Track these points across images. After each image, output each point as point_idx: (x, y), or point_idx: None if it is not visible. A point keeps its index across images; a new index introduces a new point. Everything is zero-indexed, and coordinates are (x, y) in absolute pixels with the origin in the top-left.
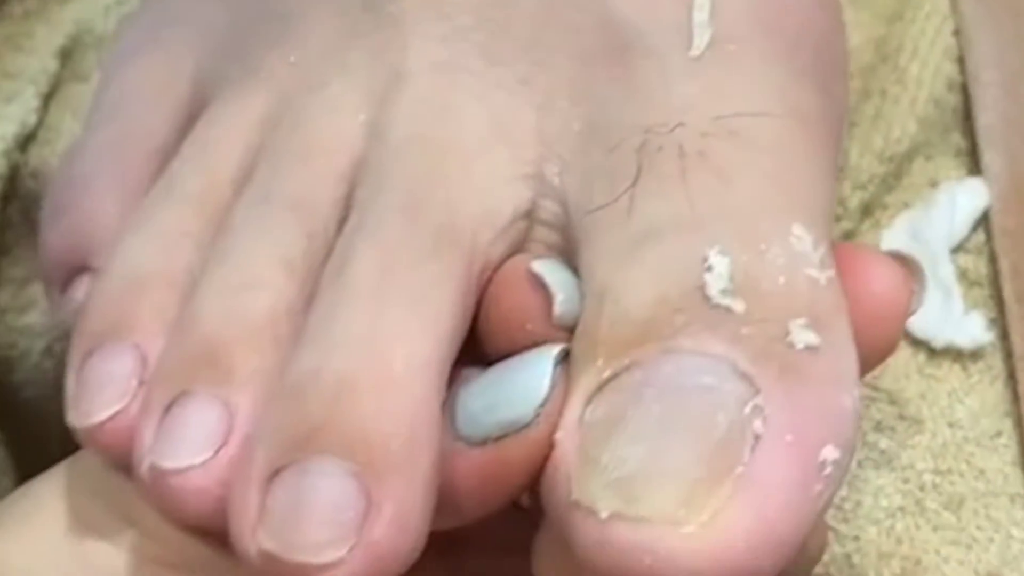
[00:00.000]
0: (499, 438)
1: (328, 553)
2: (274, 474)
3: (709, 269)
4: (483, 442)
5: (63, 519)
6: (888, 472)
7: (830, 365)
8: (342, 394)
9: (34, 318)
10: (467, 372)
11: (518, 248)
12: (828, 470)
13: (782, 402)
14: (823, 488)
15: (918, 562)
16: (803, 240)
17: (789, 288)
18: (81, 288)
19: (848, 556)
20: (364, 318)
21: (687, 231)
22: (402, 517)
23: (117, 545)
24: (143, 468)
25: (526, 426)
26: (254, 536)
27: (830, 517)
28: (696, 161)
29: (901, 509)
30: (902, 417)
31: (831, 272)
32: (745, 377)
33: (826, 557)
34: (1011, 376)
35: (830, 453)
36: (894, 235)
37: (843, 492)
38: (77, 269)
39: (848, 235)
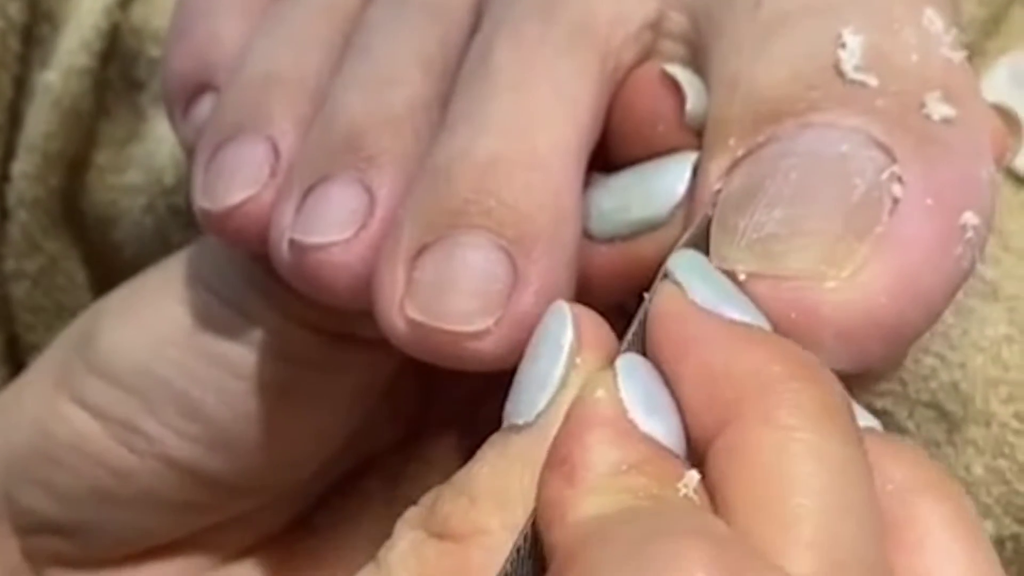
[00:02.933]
0: (628, 236)
1: (477, 322)
2: (422, 248)
3: (843, 46)
4: (612, 239)
5: (178, 312)
6: (994, 302)
7: (966, 137)
8: (490, 170)
9: (134, 177)
10: (596, 175)
11: (646, 57)
12: (969, 234)
13: (920, 169)
14: (963, 251)
15: None
16: (935, 23)
17: (923, 64)
18: (205, 106)
19: (956, 383)
20: (508, 105)
21: (819, 14)
22: (548, 290)
23: (233, 338)
24: (283, 244)
25: (660, 225)
26: (402, 309)
27: (937, 343)
28: None
29: (1007, 338)
30: (1007, 248)
31: (962, 54)
32: (882, 146)
33: (934, 384)
34: None
35: (970, 218)
36: (994, 79)
37: (949, 319)
38: (200, 88)
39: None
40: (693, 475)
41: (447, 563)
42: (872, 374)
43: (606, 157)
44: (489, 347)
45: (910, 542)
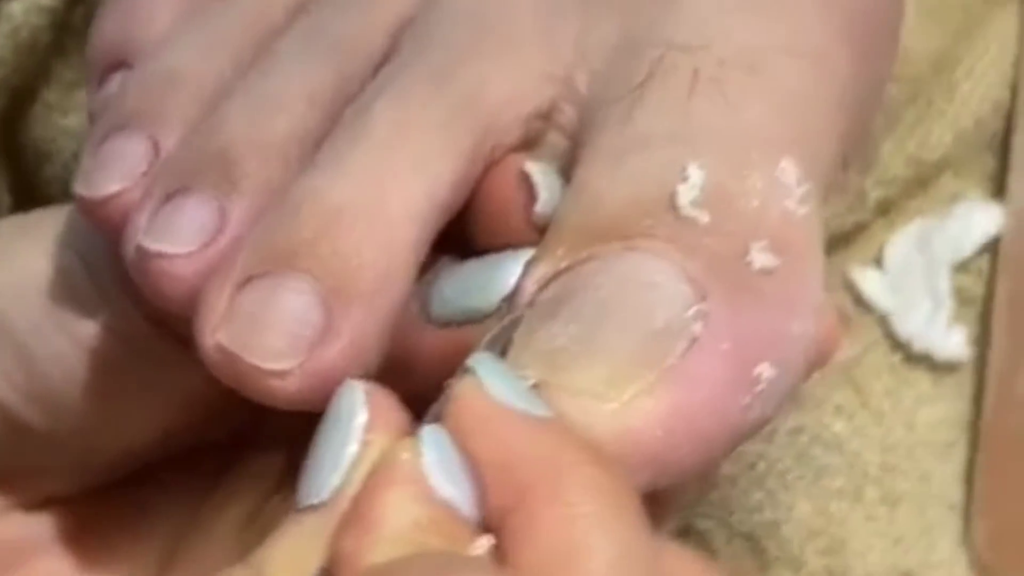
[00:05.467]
0: (461, 323)
1: (279, 361)
2: (248, 279)
3: (685, 179)
4: (447, 324)
5: (42, 265)
6: (837, 455)
7: (784, 289)
8: (335, 218)
9: (75, 121)
10: (450, 260)
11: (531, 144)
12: (761, 386)
13: (725, 314)
14: (752, 401)
15: (844, 544)
16: (788, 174)
17: (760, 212)
18: (115, 82)
19: (778, 524)
20: (371, 159)
21: (676, 143)
22: (356, 346)
23: (84, 308)
24: (131, 246)
25: (488, 315)
26: (214, 332)
27: (772, 481)
28: (706, 84)
29: (840, 492)
30: (864, 406)
31: (808, 208)
32: (695, 283)
33: (757, 518)
34: (979, 395)
35: (766, 370)
36: (903, 238)
37: (787, 463)
38: (116, 64)
39: (860, 227)
40: (485, 540)
41: None
42: (678, 493)
43: (467, 241)
44: (290, 388)
45: None
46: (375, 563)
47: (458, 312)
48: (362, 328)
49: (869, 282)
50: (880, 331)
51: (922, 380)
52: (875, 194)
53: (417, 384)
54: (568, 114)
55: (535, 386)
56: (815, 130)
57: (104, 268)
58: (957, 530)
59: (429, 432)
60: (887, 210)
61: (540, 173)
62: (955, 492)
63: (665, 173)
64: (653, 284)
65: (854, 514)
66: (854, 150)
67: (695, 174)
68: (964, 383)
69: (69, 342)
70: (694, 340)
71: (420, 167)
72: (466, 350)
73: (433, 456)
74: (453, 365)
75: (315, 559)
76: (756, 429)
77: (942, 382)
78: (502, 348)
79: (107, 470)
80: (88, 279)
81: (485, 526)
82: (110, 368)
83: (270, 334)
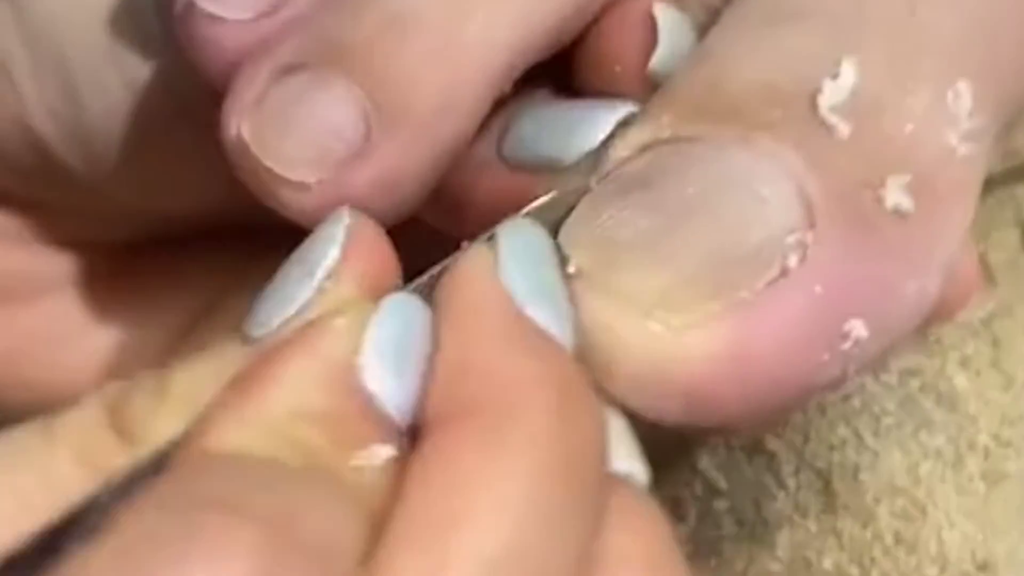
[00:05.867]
0: (532, 169)
1: (298, 171)
2: (293, 68)
3: (835, 76)
4: (517, 167)
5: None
6: (948, 411)
7: (912, 240)
8: (399, 24)
9: None
10: (542, 96)
11: None
12: (847, 345)
13: (832, 251)
14: (832, 360)
15: (923, 512)
16: (961, 100)
17: (912, 138)
18: None
19: (857, 468)
20: None
21: (837, 29)
22: (390, 177)
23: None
24: (182, 2)
25: (565, 168)
26: (239, 119)
27: (863, 421)
28: None
29: (938, 453)
30: (996, 365)
31: (974, 148)
32: (808, 206)
33: (836, 457)
34: None
35: (858, 329)
36: None
37: (888, 406)
38: None
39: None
40: (381, 451)
41: (110, 460)
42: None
43: (570, 82)
44: (306, 204)
45: None
46: (219, 446)
47: (532, 156)
48: (401, 158)
49: None
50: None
51: None
52: None
53: (469, 228)
54: None
55: (575, 273)
56: (1010, 58)
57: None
58: None
59: (394, 304)
60: None
61: (670, 20)
62: None
63: (814, 62)
64: (757, 194)
65: (946, 482)
66: None
67: (848, 72)
68: None
69: (120, 82)
70: (783, 273)
71: None
72: (530, 202)
73: (381, 334)
74: (514, 209)
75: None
76: (832, 389)
77: None
78: (563, 214)
79: (143, 226)
80: (156, 21)
81: (415, 433)
82: (155, 121)
83: (295, 138)
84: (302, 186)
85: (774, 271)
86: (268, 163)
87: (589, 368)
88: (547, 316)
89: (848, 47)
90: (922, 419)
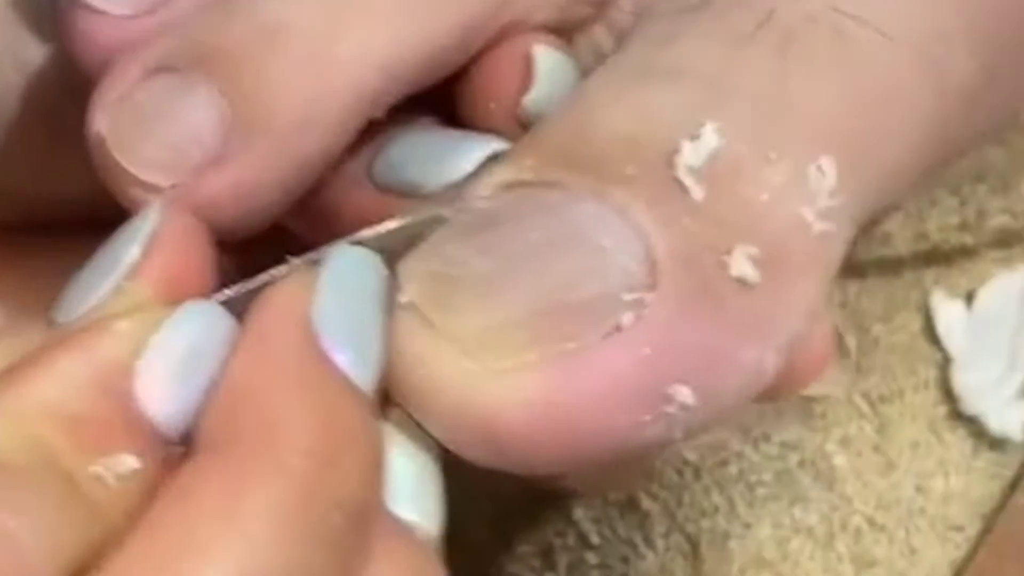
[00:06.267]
0: (399, 194)
1: (153, 174)
2: (160, 69)
3: (695, 137)
4: (386, 191)
5: None
6: (824, 490)
7: (752, 312)
8: (269, 33)
9: None
10: (421, 124)
11: (567, 32)
12: (670, 408)
13: (668, 314)
14: (653, 421)
15: None
16: (825, 177)
17: (765, 210)
18: None
19: (727, 537)
20: None
21: (708, 90)
22: (245, 188)
23: (40, 42)
24: None
25: (428, 195)
26: (102, 115)
27: (737, 489)
28: (776, 33)
29: (809, 532)
30: (878, 449)
31: (831, 226)
32: (652, 265)
33: (707, 522)
34: (1017, 483)
35: (683, 394)
36: (1008, 284)
37: (764, 477)
38: None
39: (966, 252)
40: (127, 462)
41: None
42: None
43: (451, 114)
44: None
45: None
46: None
47: (398, 180)
48: (258, 169)
49: (948, 317)
50: (935, 374)
51: (959, 444)
52: (999, 221)
53: (330, 235)
54: (625, 10)
55: (404, 304)
56: (885, 137)
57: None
58: None
59: (186, 312)
60: (1008, 244)
61: (550, 62)
62: None
63: (677, 121)
64: (599, 247)
65: (814, 560)
66: (926, 182)
67: (709, 135)
68: (1007, 466)
69: (11, 64)
70: (616, 329)
71: (405, 9)
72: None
73: (165, 342)
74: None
75: None
76: (654, 450)
77: (981, 455)
78: (411, 242)
79: (29, 211)
80: (50, 5)
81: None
82: (44, 105)
83: (153, 139)
84: (155, 188)
85: (606, 327)
86: (123, 162)
87: (405, 403)
88: (350, 358)
89: (713, 110)
90: (797, 495)
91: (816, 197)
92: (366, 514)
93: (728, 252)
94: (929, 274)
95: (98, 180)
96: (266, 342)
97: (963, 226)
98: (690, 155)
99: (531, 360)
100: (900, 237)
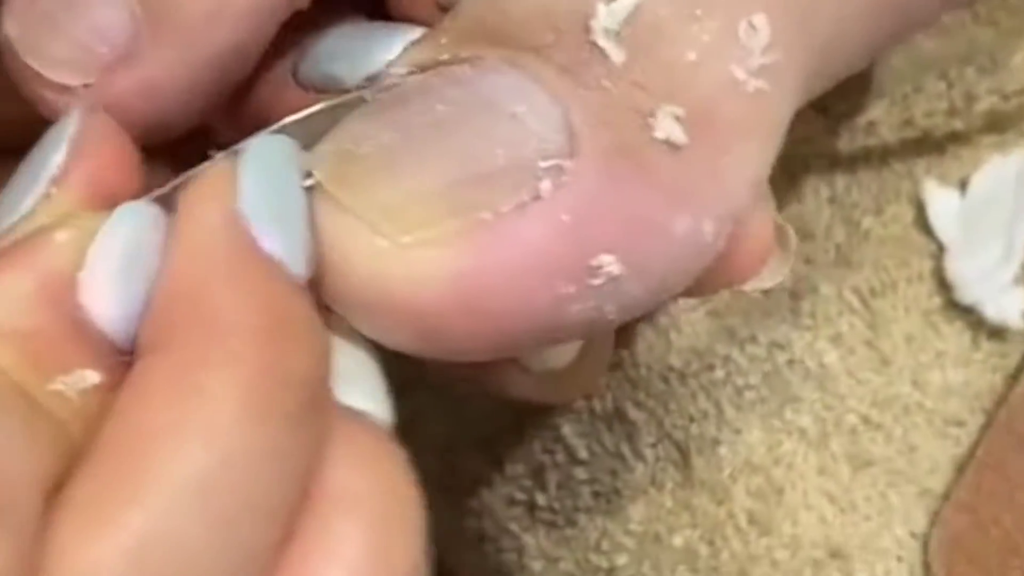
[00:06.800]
0: (322, 90)
1: (63, 74)
2: None
3: (611, 0)
4: (309, 88)
5: None
6: (815, 389)
7: (682, 175)
8: None
9: None
10: (348, 19)
11: None
12: (597, 280)
13: (590, 179)
14: (579, 295)
15: (780, 492)
16: (757, 34)
17: (692, 69)
18: None
19: (716, 442)
20: None
21: None
22: (157, 85)
23: None
24: None
25: (348, 90)
26: (11, 19)
27: (724, 392)
28: None
29: (801, 433)
30: (871, 344)
31: (767, 84)
32: (569, 132)
33: (695, 428)
34: (1018, 373)
35: (610, 264)
36: (1002, 167)
37: (752, 379)
38: None
39: (957, 137)
40: (86, 376)
41: None
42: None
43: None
44: (66, 109)
45: (307, 558)
46: None
47: (320, 77)
48: (169, 66)
49: (940, 204)
50: (929, 264)
51: (957, 336)
52: (988, 103)
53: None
54: None
55: (314, 187)
56: None
57: None
58: (919, 522)
59: (122, 214)
60: (1001, 127)
61: None
62: (936, 481)
63: None
64: (512, 114)
65: (807, 463)
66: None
67: None
68: (1007, 356)
69: None
70: (535, 199)
71: None
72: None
73: (106, 248)
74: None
75: None
76: (586, 329)
77: (980, 346)
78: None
79: None
80: None
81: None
82: None
83: (61, 39)
84: (66, 89)
85: (522, 196)
86: (34, 64)
87: (326, 293)
88: (278, 242)
89: None
90: (787, 396)
91: (748, 55)
92: (321, 394)
93: (652, 114)
94: (920, 163)
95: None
96: (194, 235)
97: (952, 111)
98: (606, 18)
99: (443, 233)
100: (886, 125)
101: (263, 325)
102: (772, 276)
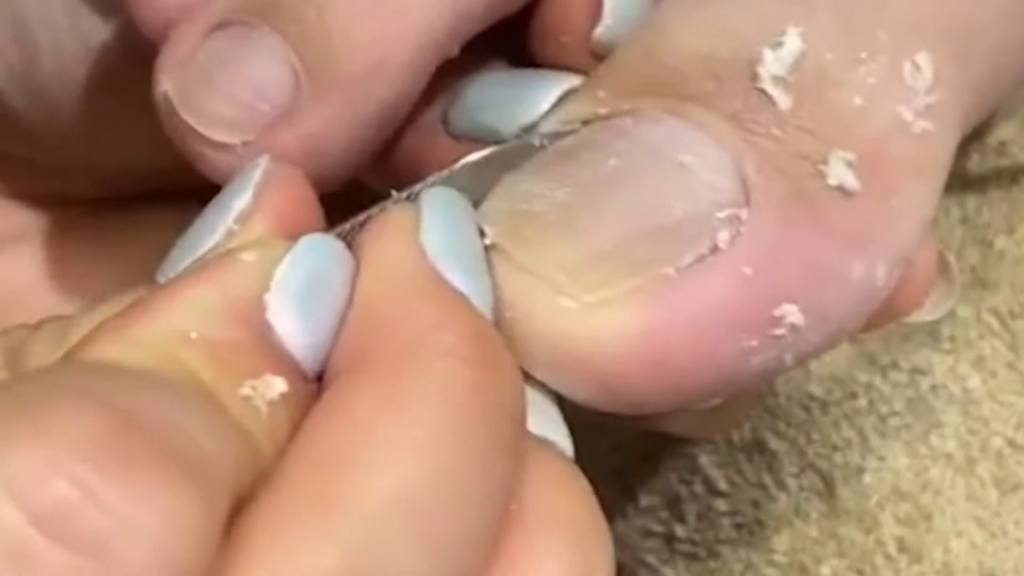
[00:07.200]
0: (476, 141)
1: (223, 132)
2: (224, 24)
3: (777, 45)
4: (462, 138)
5: None
6: (959, 414)
7: (857, 220)
8: None
9: None
10: (497, 67)
11: None
12: (780, 331)
13: (768, 228)
14: (762, 347)
15: (930, 519)
16: (921, 73)
17: (859, 113)
18: None
19: (861, 471)
20: None
21: None
22: (318, 140)
23: (103, 14)
24: None
25: (505, 140)
26: (168, 77)
27: (868, 421)
28: None
29: (948, 458)
30: (1014, 367)
31: (933, 125)
32: (742, 180)
33: (839, 457)
34: None
35: (792, 314)
36: None
37: (896, 406)
38: None
39: (1007, 174)
40: (275, 383)
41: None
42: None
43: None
44: (227, 166)
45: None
46: (90, 358)
47: (474, 127)
48: (330, 121)
49: None
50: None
51: None
52: None
53: (395, 179)
54: None
55: (490, 246)
56: (984, 27)
57: None
58: None
59: (308, 243)
60: None
61: None
62: None
63: (756, 31)
64: (682, 165)
65: (956, 488)
66: None
67: (792, 42)
68: None
69: (73, 36)
70: (713, 250)
71: None
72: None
73: (292, 272)
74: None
75: None
76: (765, 378)
77: None
78: (491, 183)
79: (100, 182)
80: None
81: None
82: (109, 77)
83: (220, 97)
84: (226, 147)
85: (701, 248)
86: (192, 123)
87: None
88: (464, 280)
89: (795, 15)
90: (932, 421)
91: (913, 95)
92: (522, 421)
93: (824, 160)
94: None
95: (171, 145)
96: (386, 265)
97: None
98: (773, 64)
99: (626, 291)
100: (1017, 144)
101: (471, 350)
102: (937, 308)
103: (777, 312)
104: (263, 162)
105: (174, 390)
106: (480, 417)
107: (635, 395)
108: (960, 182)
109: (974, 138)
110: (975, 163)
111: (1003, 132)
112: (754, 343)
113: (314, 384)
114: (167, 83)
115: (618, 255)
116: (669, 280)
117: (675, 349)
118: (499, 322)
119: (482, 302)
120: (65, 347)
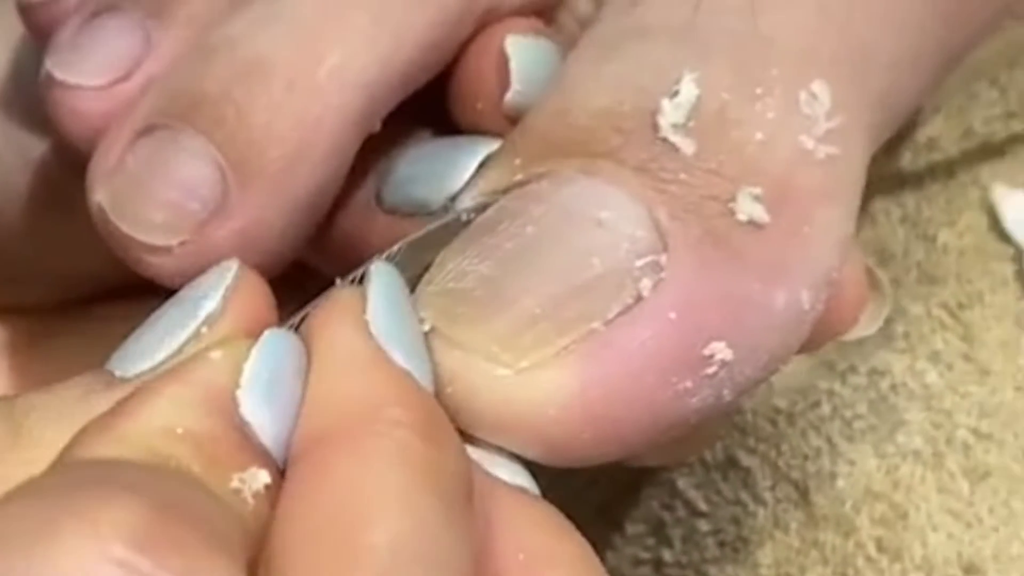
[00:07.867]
0: (407, 214)
1: (158, 236)
2: (147, 129)
3: (673, 93)
4: (392, 212)
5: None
6: (922, 410)
7: (772, 253)
8: (248, 73)
9: None
10: (426, 135)
11: (538, 11)
12: (712, 369)
13: (687, 271)
14: (696, 387)
15: (905, 516)
16: (818, 101)
17: (762, 148)
18: None
19: (834, 476)
20: (309, 9)
21: (679, 43)
22: (251, 231)
23: (39, 129)
24: (42, 73)
25: (434, 211)
26: (99, 186)
27: (834, 427)
28: None
29: (916, 455)
30: (969, 358)
31: (836, 149)
32: (657, 227)
33: (812, 468)
34: None
35: (721, 350)
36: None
37: (859, 409)
38: None
39: (1017, 139)
40: (260, 475)
41: None
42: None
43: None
44: (167, 267)
45: None
46: (91, 455)
47: (405, 201)
48: (261, 211)
49: (1012, 208)
50: (1011, 268)
51: None
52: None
53: (347, 267)
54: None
55: (428, 331)
56: (875, 45)
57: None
58: None
59: (269, 338)
60: (998, 151)
61: (522, 51)
62: None
63: (651, 81)
64: (598, 221)
65: (927, 483)
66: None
67: (687, 88)
68: None
69: (9, 148)
70: (637, 300)
71: (379, 20)
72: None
73: (257, 367)
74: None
75: (73, 430)
76: (706, 416)
77: None
78: (429, 260)
79: (56, 289)
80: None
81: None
82: (48, 188)
83: (151, 201)
84: (164, 250)
85: (627, 298)
86: (127, 230)
87: (452, 420)
88: (406, 360)
89: (689, 61)
90: (896, 421)
91: (813, 123)
92: (471, 482)
93: (732, 198)
94: (984, 170)
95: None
96: (336, 352)
97: (1008, 114)
98: (671, 112)
99: (557, 351)
100: (946, 138)
101: (422, 420)
102: (872, 322)
103: (706, 351)
104: (233, 266)
105: (181, 477)
106: (435, 479)
107: (580, 451)
108: (897, 182)
109: (903, 137)
110: (908, 161)
111: (931, 129)
112: (688, 384)
113: (280, 472)
114: (100, 193)
115: (546, 317)
116: (598, 335)
117: (613, 401)
118: (440, 395)
119: (424, 379)
120: (22, 441)
